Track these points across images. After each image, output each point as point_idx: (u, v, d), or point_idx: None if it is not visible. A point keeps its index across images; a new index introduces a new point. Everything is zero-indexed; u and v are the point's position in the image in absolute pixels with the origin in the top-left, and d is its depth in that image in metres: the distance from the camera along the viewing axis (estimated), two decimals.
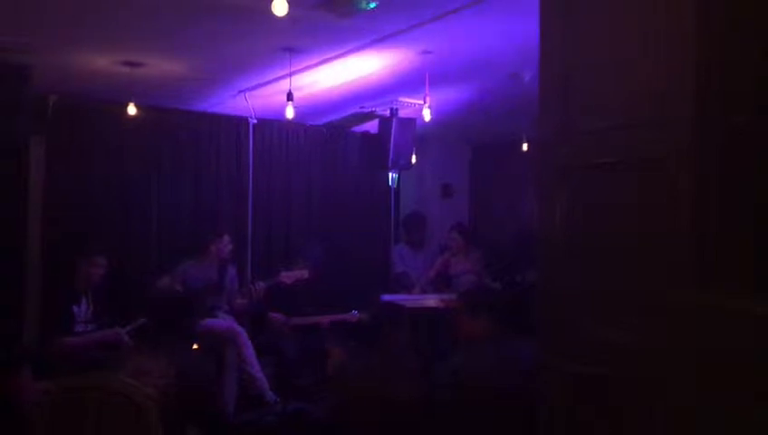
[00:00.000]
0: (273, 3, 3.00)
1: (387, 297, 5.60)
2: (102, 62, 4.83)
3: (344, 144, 7.12)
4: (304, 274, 5.40)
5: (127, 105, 5.22)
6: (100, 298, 4.92)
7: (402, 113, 6.14)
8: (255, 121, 6.39)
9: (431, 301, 5.59)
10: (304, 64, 4.91)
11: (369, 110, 6.32)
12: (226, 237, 5.51)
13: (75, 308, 4.74)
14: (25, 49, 4.40)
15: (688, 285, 2.02)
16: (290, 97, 4.76)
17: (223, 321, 5.21)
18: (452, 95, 5.92)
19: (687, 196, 2.04)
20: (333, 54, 4.76)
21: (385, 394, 2.73)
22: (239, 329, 5.13)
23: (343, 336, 4.57)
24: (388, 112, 6.10)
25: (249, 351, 5.03)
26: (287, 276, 5.41)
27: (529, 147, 6.94)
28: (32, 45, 4.38)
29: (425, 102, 5.06)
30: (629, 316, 2.18)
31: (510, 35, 4.23)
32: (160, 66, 4.95)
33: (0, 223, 4.96)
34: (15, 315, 4.67)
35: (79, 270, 4.85)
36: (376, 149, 6.25)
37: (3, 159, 4.96)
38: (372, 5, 3.70)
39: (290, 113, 4.80)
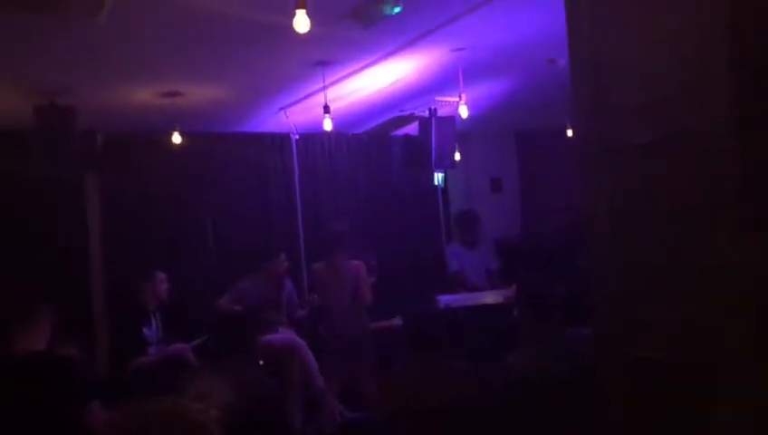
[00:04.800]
0: (295, 20, 3.03)
1: (444, 298, 5.57)
2: (143, 96, 4.97)
3: (387, 149, 7.13)
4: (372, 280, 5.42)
5: (172, 134, 5.36)
6: (169, 318, 5.06)
7: (441, 112, 6.10)
8: (297, 137, 6.47)
9: (490, 298, 5.53)
10: (338, 76, 4.95)
11: (409, 112, 6.32)
12: (282, 256, 5.58)
13: (146, 331, 4.88)
14: (69, 90, 4.57)
15: (735, 261, 1.95)
16: (326, 110, 4.80)
17: (283, 335, 5.27)
18: (490, 88, 5.87)
19: (733, 168, 1.97)
20: (366, 62, 4.78)
21: (437, 399, 2.71)
22: (300, 341, 5.19)
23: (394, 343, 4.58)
24: (427, 113, 6.08)
25: (311, 362, 5.09)
26: None
27: (573, 132, 6.80)
28: (75, 86, 4.54)
29: (460, 99, 5.03)
30: (684, 296, 2.12)
31: (540, 21, 4.17)
32: (199, 93, 5.07)
33: (64, 256, 5.17)
34: (86, 346, 4.83)
35: (144, 290, 5.00)
36: (418, 151, 6.23)
37: (60, 198, 5.17)
38: (397, 10, 3.70)
39: (328, 126, 4.84)
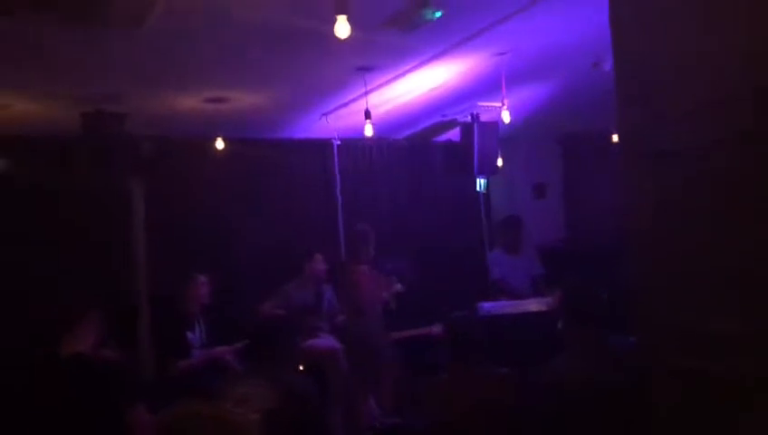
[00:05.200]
0: (336, 25, 3.04)
1: (486, 305, 5.50)
2: (188, 103, 5.05)
3: (428, 155, 7.11)
4: (398, 287, 5.40)
5: (215, 140, 5.43)
6: (212, 322, 5.12)
7: (484, 117, 6.05)
8: (339, 143, 6.49)
9: (533, 305, 5.44)
10: (380, 81, 4.95)
11: (451, 118, 6.28)
12: (318, 256, 5.61)
13: (190, 334, 4.95)
14: (117, 98, 4.67)
15: None
16: (368, 115, 4.81)
17: (323, 340, 5.29)
18: (533, 92, 5.80)
19: None
20: (407, 68, 4.77)
21: (478, 404, 2.68)
22: (339, 347, 5.20)
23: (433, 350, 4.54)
24: (469, 118, 6.04)
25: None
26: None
27: (618, 136, 6.68)
28: (122, 94, 4.64)
29: (503, 104, 4.98)
30: (733, 305, 2.05)
31: (586, 24, 4.10)
32: (242, 100, 5.13)
33: (109, 261, 5.28)
34: (130, 349, 4.91)
35: (185, 294, 5.06)
36: (460, 157, 6.19)
37: (107, 204, 5.28)
38: (438, 15, 3.67)
39: (369, 131, 4.84)
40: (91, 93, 4.60)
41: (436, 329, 5.22)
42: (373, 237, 5.27)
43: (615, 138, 6.81)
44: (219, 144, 5.46)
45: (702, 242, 2.16)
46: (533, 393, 2.77)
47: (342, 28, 3.04)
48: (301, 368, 4.59)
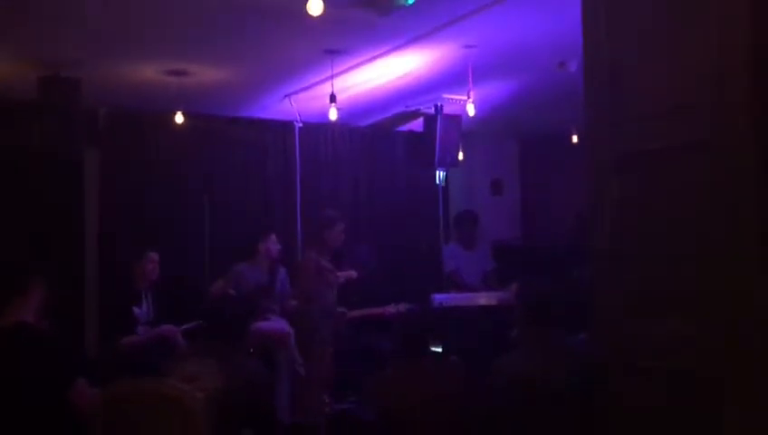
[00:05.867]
0: (309, 2, 2.99)
1: (439, 296, 5.53)
2: (149, 73, 4.92)
3: (390, 144, 7.10)
4: (353, 274, 5.38)
5: (175, 113, 5.31)
6: (161, 299, 5.02)
7: (447, 109, 6.06)
8: (301, 125, 6.43)
9: (484, 299, 5.50)
10: (346, 66, 4.91)
11: (414, 108, 6.27)
12: (273, 236, 5.54)
13: (137, 310, 4.86)
14: (75, 63, 4.53)
15: (751, 273, 1.92)
16: (333, 99, 4.77)
17: (274, 323, 5.24)
18: (498, 88, 5.83)
19: (746, 179, 1.93)
20: (375, 54, 4.75)
21: (431, 394, 2.68)
22: (290, 330, 5.15)
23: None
24: (432, 110, 6.04)
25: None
26: (338, 277, 5.39)
27: (579, 138, 6.77)
28: (80, 59, 4.50)
29: (468, 97, 4.99)
30: (691, 308, 2.09)
31: (555, 24, 4.14)
32: (206, 74, 5.03)
33: (59, 231, 5.13)
34: (76, 322, 4.78)
35: (135, 269, 4.96)
36: (422, 148, 6.20)
37: (60, 169, 5.12)
38: (410, 2, 3.66)
39: (333, 115, 4.80)
40: (49, 57, 4.45)
41: (391, 309, 5.26)
42: (341, 224, 5.16)
43: (575, 138, 6.94)
44: (179, 118, 5.33)
45: (661, 245, 2.19)
46: (488, 388, 2.78)
47: (316, 5, 3.00)
48: (251, 350, 4.53)
